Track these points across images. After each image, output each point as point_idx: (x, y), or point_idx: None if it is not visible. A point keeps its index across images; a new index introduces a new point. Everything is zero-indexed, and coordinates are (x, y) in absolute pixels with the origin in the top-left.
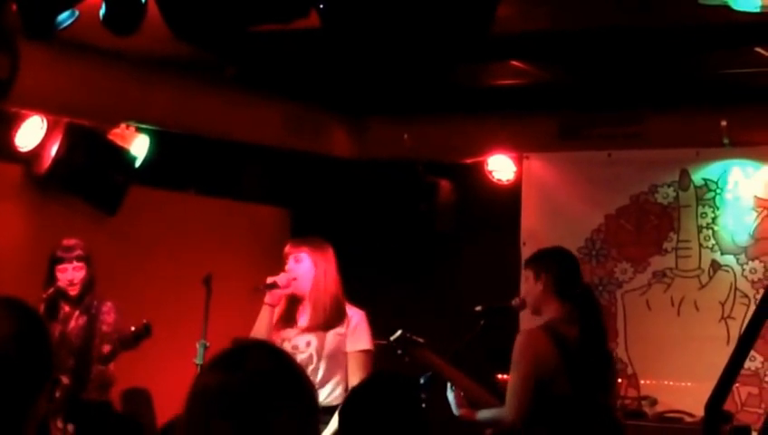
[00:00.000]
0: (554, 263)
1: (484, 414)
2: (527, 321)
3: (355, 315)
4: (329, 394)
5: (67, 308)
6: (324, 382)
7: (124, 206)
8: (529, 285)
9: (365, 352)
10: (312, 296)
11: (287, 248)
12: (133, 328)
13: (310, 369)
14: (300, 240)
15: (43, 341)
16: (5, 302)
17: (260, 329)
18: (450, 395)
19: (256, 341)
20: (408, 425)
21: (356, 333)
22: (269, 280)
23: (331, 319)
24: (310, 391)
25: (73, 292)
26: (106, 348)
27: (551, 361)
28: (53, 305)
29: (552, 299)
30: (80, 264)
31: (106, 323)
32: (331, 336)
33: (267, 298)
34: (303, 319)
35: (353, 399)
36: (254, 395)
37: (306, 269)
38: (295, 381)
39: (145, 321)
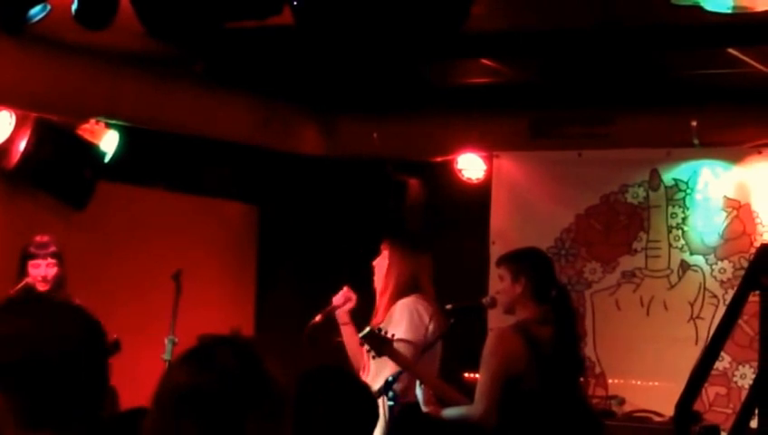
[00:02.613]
0: (533, 266)
1: (450, 412)
2: (496, 319)
3: (397, 306)
4: None
5: None
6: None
7: (93, 201)
8: (505, 286)
9: (397, 341)
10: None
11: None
12: None
13: (363, 372)
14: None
15: (103, 352)
16: (72, 308)
17: (351, 351)
18: (419, 391)
19: (224, 337)
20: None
21: (390, 325)
22: (333, 303)
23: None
24: (279, 389)
25: (43, 288)
26: None
27: (521, 360)
28: None
29: (529, 301)
30: (53, 260)
31: None
32: None
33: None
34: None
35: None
36: (225, 393)
37: (383, 263)
38: (265, 379)
39: (115, 336)
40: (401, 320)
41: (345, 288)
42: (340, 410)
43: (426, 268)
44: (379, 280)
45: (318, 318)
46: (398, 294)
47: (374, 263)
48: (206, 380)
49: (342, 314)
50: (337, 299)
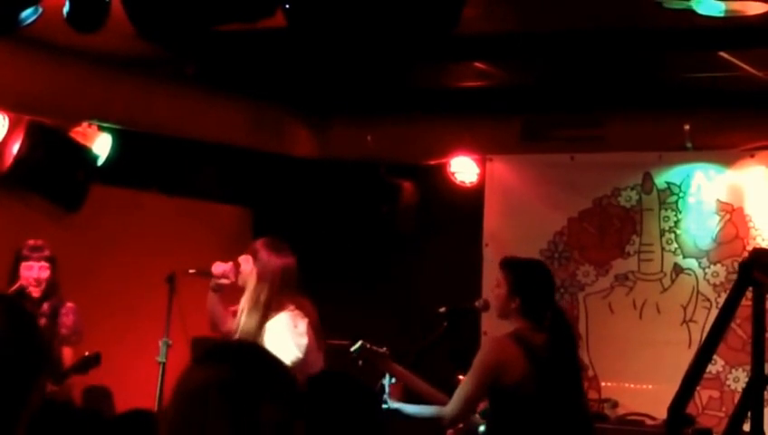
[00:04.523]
0: (532, 285)
1: (413, 409)
2: (489, 322)
3: (269, 327)
4: None
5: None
6: None
7: (86, 204)
8: (501, 293)
9: None
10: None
11: None
12: (87, 353)
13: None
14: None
15: (35, 335)
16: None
17: (210, 312)
18: (386, 385)
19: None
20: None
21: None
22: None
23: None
24: (295, 384)
25: (36, 293)
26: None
27: (518, 367)
28: None
29: (523, 316)
30: (46, 264)
31: (65, 325)
32: None
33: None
34: None
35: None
36: (252, 387)
37: (248, 269)
38: (285, 374)
39: (97, 351)
40: (276, 343)
41: (231, 264)
42: (345, 414)
43: (294, 274)
44: (245, 282)
45: (191, 271)
46: (272, 309)
47: (240, 259)
48: (232, 372)
49: (214, 283)
50: (216, 268)
